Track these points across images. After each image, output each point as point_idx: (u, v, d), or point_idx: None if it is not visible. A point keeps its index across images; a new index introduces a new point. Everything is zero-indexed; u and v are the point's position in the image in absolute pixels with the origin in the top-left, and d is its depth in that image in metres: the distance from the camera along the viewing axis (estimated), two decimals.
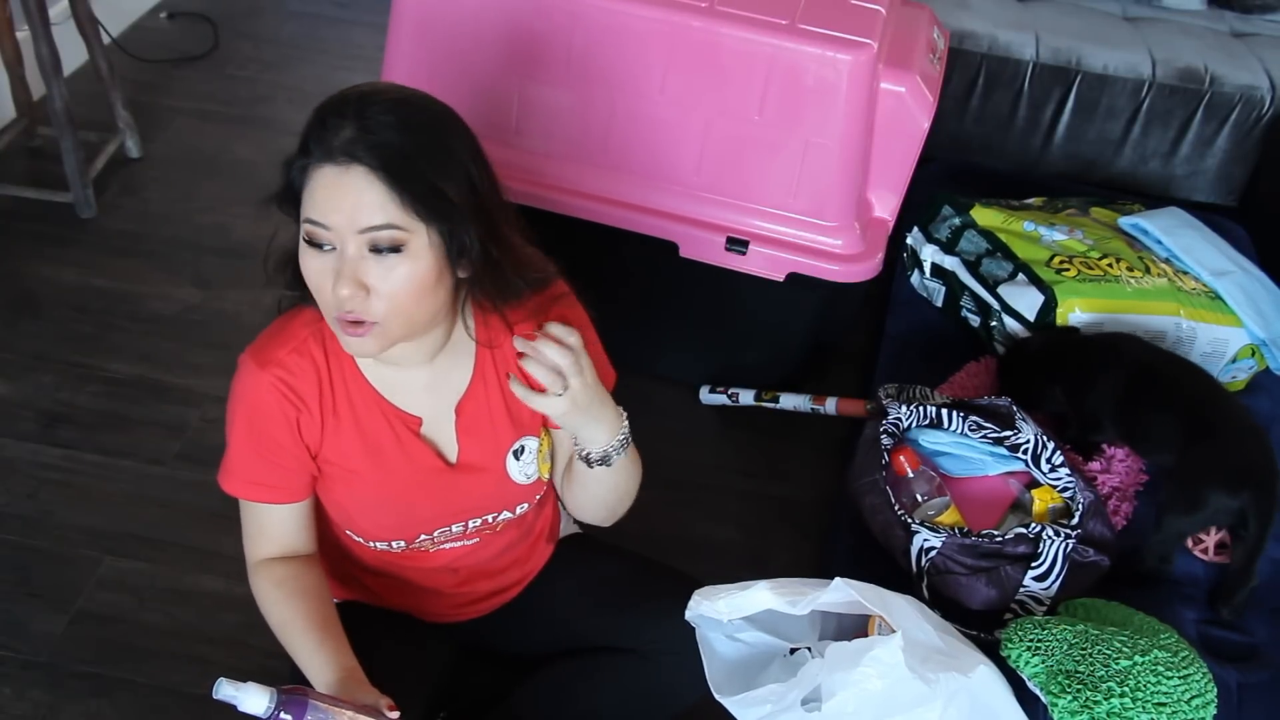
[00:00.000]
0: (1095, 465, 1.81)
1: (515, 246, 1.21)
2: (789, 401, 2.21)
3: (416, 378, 1.25)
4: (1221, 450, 1.67)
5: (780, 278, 2.02)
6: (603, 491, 1.32)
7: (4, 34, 2.58)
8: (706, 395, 2.27)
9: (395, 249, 1.08)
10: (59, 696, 1.69)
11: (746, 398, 2.23)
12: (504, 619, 1.48)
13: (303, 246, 1.12)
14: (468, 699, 1.51)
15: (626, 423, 1.25)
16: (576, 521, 1.62)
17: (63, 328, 2.30)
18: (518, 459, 1.32)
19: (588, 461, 1.24)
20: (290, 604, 1.21)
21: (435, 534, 1.32)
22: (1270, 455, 1.66)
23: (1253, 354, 2.05)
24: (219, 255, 2.52)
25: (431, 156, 1.09)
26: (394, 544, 1.31)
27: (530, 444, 1.33)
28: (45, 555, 1.88)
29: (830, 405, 2.18)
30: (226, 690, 1.01)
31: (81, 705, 1.68)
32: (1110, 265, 2.04)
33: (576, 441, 1.24)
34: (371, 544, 1.32)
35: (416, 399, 1.26)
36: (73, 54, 2.70)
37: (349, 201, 1.06)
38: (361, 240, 1.08)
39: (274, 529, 1.25)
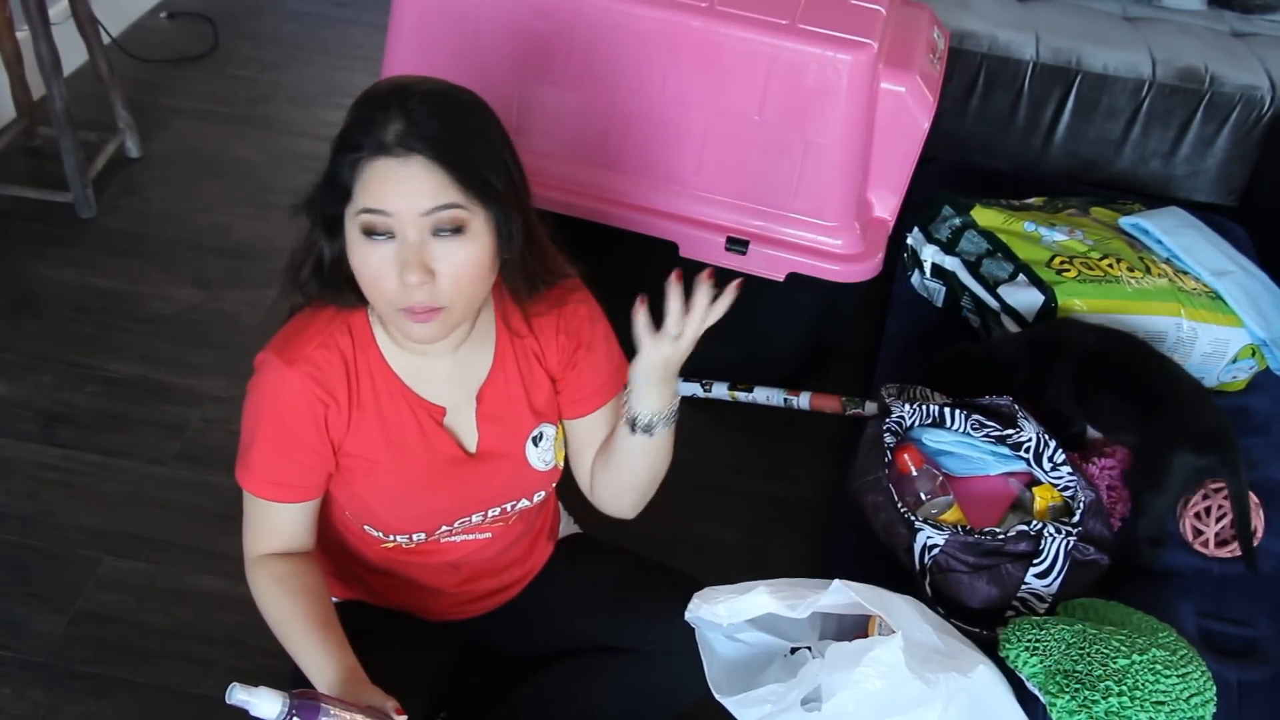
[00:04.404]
0: (1093, 469, 1.81)
1: (543, 241, 1.25)
2: (762, 394, 2.21)
3: (440, 367, 1.26)
4: (1180, 417, 1.71)
5: (780, 278, 2.02)
6: (638, 466, 1.31)
7: (4, 34, 2.58)
8: (679, 385, 2.26)
9: (458, 230, 1.11)
10: (59, 696, 1.69)
11: (720, 389, 2.23)
12: (505, 619, 1.48)
13: (357, 240, 1.12)
14: (468, 699, 1.51)
15: (679, 399, 1.28)
16: (576, 521, 1.63)
17: (63, 328, 2.31)
18: (536, 445, 1.33)
19: (633, 425, 1.25)
20: (291, 601, 1.21)
21: (455, 524, 1.32)
22: (1219, 411, 1.73)
23: (1253, 354, 2.05)
24: (219, 255, 2.53)
25: (476, 144, 1.13)
26: (414, 536, 1.32)
27: (548, 431, 1.34)
28: (45, 555, 1.88)
29: (803, 400, 2.18)
30: (239, 695, 1.00)
31: (81, 705, 1.68)
32: (1111, 266, 2.04)
33: (629, 405, 1.24)
34: (391, 538, 1.31)
35: (440, 389, 1.27)
36: (73, 54, 2.70)
37: (411, 188, 1.08)
38: (424, 224, 1.10)
39: (281, 526, 1.25)
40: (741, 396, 2.22)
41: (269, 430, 1.21)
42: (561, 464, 1.38)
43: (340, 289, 1.19)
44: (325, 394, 1.20)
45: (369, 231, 1.10)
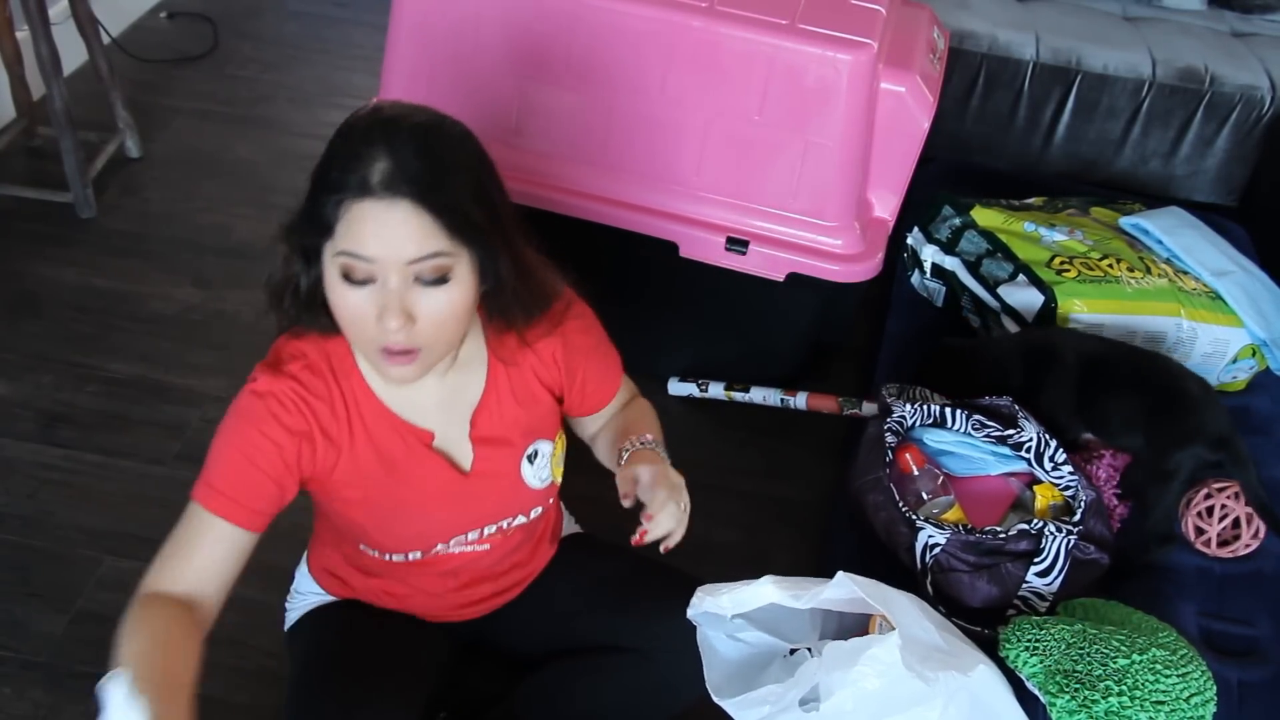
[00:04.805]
0: (1100, 472, 1.81)
1: (533, 267, 1.22)
2: (758, 394, 2.21)
3: (429, 394, 1.25)
4: (1193, 414, 1.73)
5: (780, 278, 2.02)
6: None
7: (4, 34, 2.58)
8: (675, 385, 2.27)
9: (442, 278, 1.09)
10: (59, 696, 1.69)
11: (716, 388, 2.23)
12: (505, 618, 1.48)
13: (335, 281, 1.10)
14: (468, 699, 1.51)
15: (663, 449, 1.33)
16: (577, 521, 1.63)
17: (63, 328, 2.31)
18: (531, 463, 1.33)
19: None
20: (166, 636, 1.11)
21: (450, 542, 1.32)
22: (1225, 407, 1.76)
23: (1253, 354, 2.05)
24: (219, 255, 2.53)
25: (463, 183, 1.09)
26: (410, 555, 1.32)
27: (544, 448, 1.34)
28: (45, 555, 1.88)
29: (800, 400, 2.18)
30: (111, 690, 0.89)
31: (81, 705, 1.68)
32: (1111, 266, 2.04)
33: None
34: (387, 556, 1.32)
35: (428, 414, 1.26)
36: (73, 54, 2.70)
37: (396, 234, 1.06)
38: (408, 271, 1.08)
39: (205, 552, 1.16)
40: (738, 396, 2.22)
41: (239, 444, 1.17)
42: (559, 480, 1.38)
43: (318, 314, 1.17)
44: (309, 411, 1.19)
45: (347, 276, 1.08)
